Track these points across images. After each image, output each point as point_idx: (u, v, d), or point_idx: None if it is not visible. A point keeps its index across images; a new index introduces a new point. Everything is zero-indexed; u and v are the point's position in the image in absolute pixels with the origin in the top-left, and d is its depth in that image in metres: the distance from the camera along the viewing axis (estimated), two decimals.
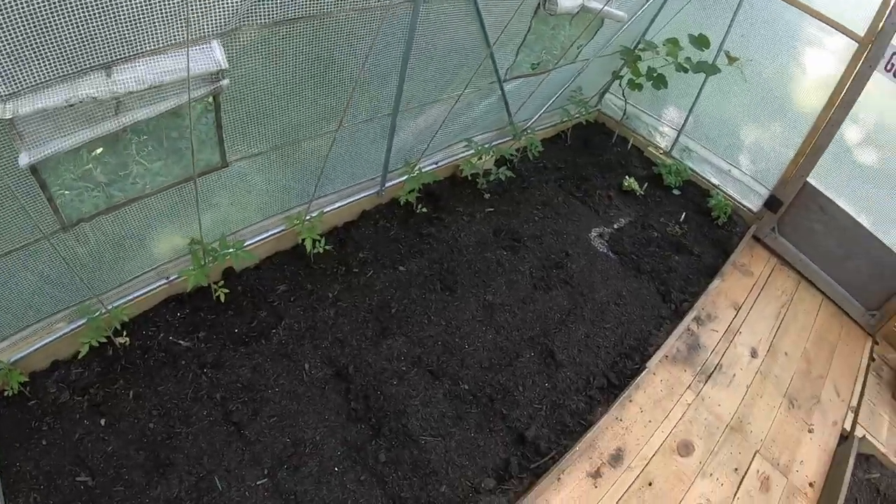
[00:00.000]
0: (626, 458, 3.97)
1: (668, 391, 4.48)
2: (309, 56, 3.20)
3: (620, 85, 6.56)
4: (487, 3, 3.90)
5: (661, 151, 6.85)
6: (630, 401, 4.28)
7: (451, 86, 4.47)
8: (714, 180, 6.65)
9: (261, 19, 2.76)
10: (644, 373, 4.40)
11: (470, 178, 5.33)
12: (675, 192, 6.49)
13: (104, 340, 3.48)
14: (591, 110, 7.23)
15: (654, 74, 6.15)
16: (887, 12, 4.92)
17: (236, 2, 2.53)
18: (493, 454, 3.68)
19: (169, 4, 2.31)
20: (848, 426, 4.88)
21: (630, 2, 5.42)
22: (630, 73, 6.25)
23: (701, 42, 5.77)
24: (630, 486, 3.84)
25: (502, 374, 4.07)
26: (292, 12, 2.84)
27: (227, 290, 3.89)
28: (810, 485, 4.36)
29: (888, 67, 5.14)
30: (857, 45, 5.25)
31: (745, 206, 6.49)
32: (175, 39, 2.45)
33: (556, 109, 6.41)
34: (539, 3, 4.33)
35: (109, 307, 3.50)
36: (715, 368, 4.83)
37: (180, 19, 2.38)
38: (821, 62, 5.58)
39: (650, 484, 3.89)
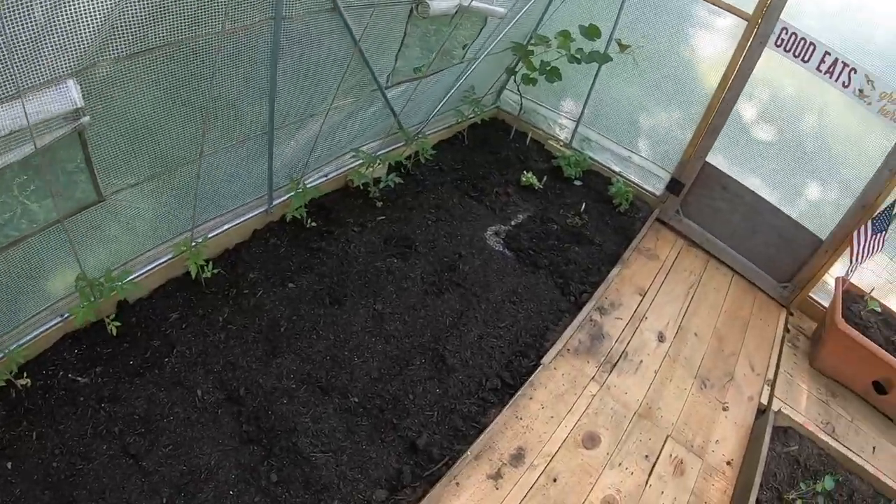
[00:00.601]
0: (528, 457, 3.92)
1: (570, 384, 4.45)
2: (171, 83, 3.14)
3: (515, 81, 6.58)
4: (355, 14, 3.87)
5: (562, 144, 6.89)
6: (530, 398, 4.24)
7: (328, 98, 4.42)
8: (616, 168, 6.72)
9: (116, 53, 2.68)
10: (539, 369, 4.36)
11: (362, 187, 5.27)
12: (577, 183, 6.53)
13: (4, 384, 3.38)
14: (490, 108, 7.27)
15: (548, 68, 6.19)
16: None
17: (89, 38, 2.46)
18: (386, 465, 3.62)
19: (22, 47, 2.25)
20: (765, 400, 4.93)
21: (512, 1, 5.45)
22: (524, 68, 6.27)
23: (592, 32, 5.85)
24: (533, 485, 3.79)
25: (392, 383, 4.02)
26: (148, 43, 2.77)
27: (119, 324, 3.80)
28: (728, 463, 4.38)
29: (778, 43, 5.27)
30: (746, 23, 5.37)
31: (648, 191, 6.57)
32: (31, 82, 2.39)
33: (450, 111, 6.39)
34: (412, 8, 4.31)
35: (6, 350, 3.40)
36: (620, 357, 4.83)
37: (33, 62, 2.32)
38: (712, 43, 5.70)
39: (555, 480, 3.85)
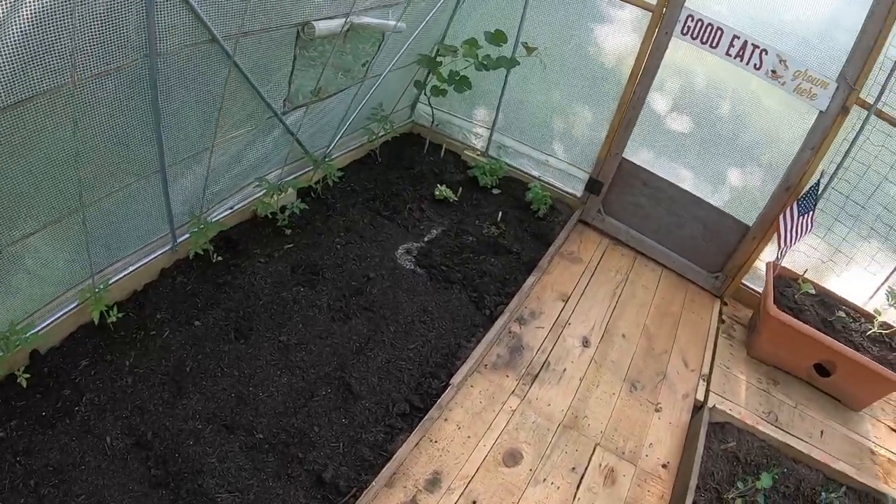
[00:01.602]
0: (445, 481, 3.88)
1: (488, 401, 4.43)
2: (51, 131, 3.07)
3: (425, 93, 6.56)
4: (237, 43, 3.83)
5: (478, 153, 6.90)
6: (445, 420, 4.21)
7: (221, 130, 4.37)
8: (534, 172, 6.75)
9: None
10: (451, 389, 4.32)
11: (270, 216, 5.22)
12: (494, 191, 6.54)
13: None
14: (405, 122, 7.27)
15: (457, 77, 6.20)
16: None
17: None
18: (293, 501, 3.57)
19: None
20: (701, 396, 4.95)
21: (417, 10, 5.49)
22: (435, 79, 6.29)
23: (497, 38, 5.87)
24: None
25: (297, 416, 3.98)
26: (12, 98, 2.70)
27: (28, 375, 3.74)
28: (664, 466, 4.38)
29: (684, 31, 5.34)
30: (650, 13, 5.45)
31: (568, 193, 6.62)
32: None
33: (359, 129, 6.37)
34: (298, 31, 4.30)
35: None
36: (542, 367, 4.82)
37: None
38: (618, 37, 5.76)
39: (474, 503, 3.81)
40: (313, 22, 4.29)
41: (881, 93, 4.96)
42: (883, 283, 5.68)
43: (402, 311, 4.84)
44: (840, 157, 5.26)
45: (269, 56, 4.28)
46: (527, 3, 5.97)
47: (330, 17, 4.47)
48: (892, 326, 5.40)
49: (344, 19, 4.56)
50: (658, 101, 5.86)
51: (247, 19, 3.73)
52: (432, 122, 7.00)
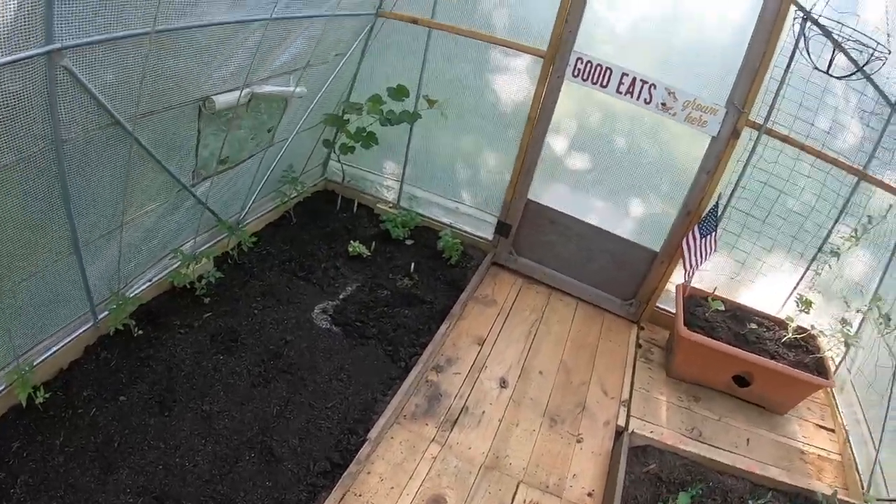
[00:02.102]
0: None
1: (409, 451, 4.58)
2: None
3: (334, 151, 6.77)
4: (140, 123, 4.00)
5: (390, 205, 7.10)
6: (368, 473, 4.35)
7: (132, 207, 4.51)
8: (446, 220, 7.00)
9: None
10: (369, 443, 4.46)
11: (188, 286, 5.35)
12: (408, 242, 6.74)
13: None
14: (318, 180, 7.46)
15: (364, 134, 6.43)
16: (564, 25, 5.55)
17: None
18: None
19: None
20: (623, 422, 5.16)
21: (317, 73, 5.79)
22: (343, 137, 6.53)
23: (400, 93, 6.17)
24: None
25: (223, 483, 4.07)
26: None
27: None
28: (589, 495, 4.55)
29: (575, 73, 5.68)
30: (542, 60, 5.77)
31: (480, 238, 6.87)
32: None
33: (272, 193, 6.53)
34: (199, 107, 4.49)
35: None
36: (461, 412, 4.98)
37: None
38: (515, 85, 6.09)
39: None
40: (213, 97, 4.50)
41: (769, 113, 5.35)
42: (792, 291, 6.05)
43: (320, 370, 4.99)
44: (736, 176, 5.64)
45: (174, 132, 4.47)
46: (426, 58, 6.30)
47: (230, 90, 4.70)
48: (806, 330, 5.78)
49: (244, 90, 4.78)
50: (557, 141, 6.17)
51: (147, 99, 3.91)
52: (343, 178, 7.24)
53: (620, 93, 5.61)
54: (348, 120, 6.43)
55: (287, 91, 5.38)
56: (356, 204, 7.22)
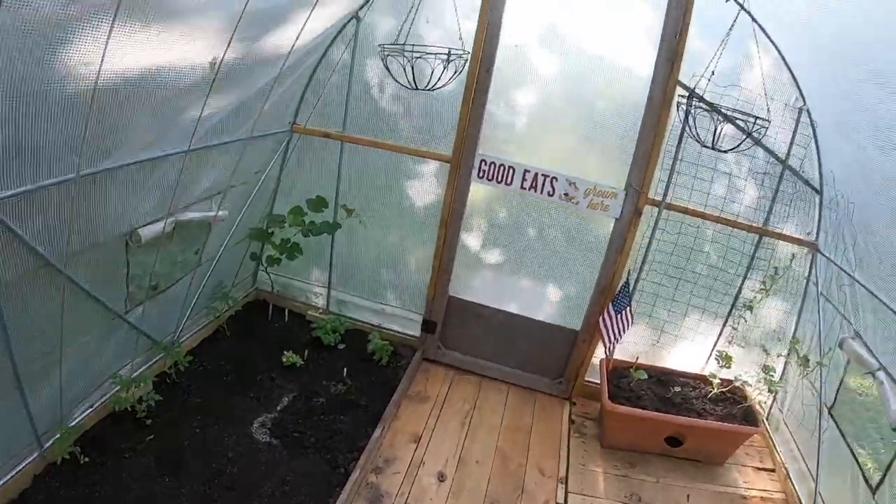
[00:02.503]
0: None
1: None
2: None
3: (262, 264, 6.99)
4: (71, 261, 4.18)
5: (320, 311, 7.32)
6: None
7: (69, 338, 4.62)
8: (375, 321, 7.24)
9: None
10: None
11: (130, 409, 5.45)
12: (340, 346, 6.92)
13: None
14: (249, 291, 7.63)
15: (288, 245, 6.67)
16: (466, 131, 5.94)
17: None
18: None
19: None
20: (562, 499, 5.39)
21: (237, 194, 6.05)
22: (269, 249, 6.78)
23: (318, 204, 6.46)
24: None
25: None
26: None
27: None
28: None
29: (480, 175, 6.08)
30: (449, 164, 6.14)
31: (409, 336, 7.11)
32: None
33: (205, 309, 6.71)
34: (126, 240, 4.72)
35: None
36: None
37: None
38: (427, 188, 6.45)
39: None
40: (138, 230, 4.73)
41: (666, 189, 5.79)
42: (713, 348, 6.37)
43: (264, 484, 5.11)
44: (644, 251, 6.02)
45: (105, 266, 4.68)
46: (340, 169, 6.66)
47: (154, 221, 4.92)
48: (731, 382, 6.11)
49: (168, 220, 5.01)
50: (471, 238, 6.54)
51: (77, 239, 4.12)
52: (272, 288, 7.44)
53: (525, 188, 6.03)
54: (273, 232, 6.67)
55: (210, 215, 5.60)
56: (287, 312, 7.40)
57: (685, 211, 5.87)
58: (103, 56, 3.28)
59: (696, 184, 5.82)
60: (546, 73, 5.88)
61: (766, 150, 5.71)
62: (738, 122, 5.20)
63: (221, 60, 4.33)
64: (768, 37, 5.44)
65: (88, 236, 4.28)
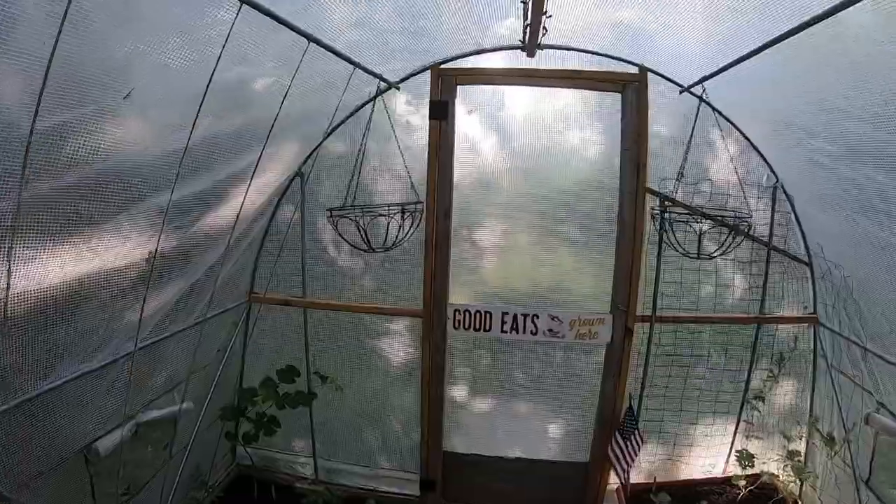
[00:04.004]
0: None
1: None
2: None
3: (239, 443, 6.50)
4: (23, 493, 3.75)
5: (309, 482, 6.81)
6: None
7: None
8: (370, 485, 6.72)
9: None
10: None
11: None
12: None
13: None
14: (229, 468, 7.08)
15: (264, 419, 6.18)
16: (433, 281, 5.67)
17: None
18: None
19: None
20: None
21: (201, 379, 5.70)
22: (245, 423, 6.31)
23: (289, 374, 6.02)
24: None
25: None
26: None
27: None
28: None
29: (457, 325, 5.78)
30: (420, 318, 5.85)
31: (409, 496, 6.59)
32: None
33: (183, 500, 6.11)
34: (84, 456, 4.29)
35: None
36: None
37: None
38: (402, 346, 6.20)
39: None
40: (95, 444, 4.30)
41: (654, 303, 5.53)
42: (730, 448, 6.09)
43: None
44: (641, 370, 5.73)
45: (66, 485, 4.22)
46: (307, 339, 6.31)
47: (113, 429, 4.48)
48: (757, 477, 5.82)
49: (128, 424, 4.60)
50: (456, 390, 6.17)
51: (26, 467, 3.73)
52: (252, 464, 6.90)
53: (505, 332, 5.67)
54: (246, 408, 6.20)
55: (174, 410, 5.21)
56: (274, 488, 6.82)
57: (677, 320, 5.65)
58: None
59: (684, 289, 5.61)
60: (509, 201, 5.68)
61: (753, 239, 5.56)
62: (719, 219, 5.15)
63: (156, 253, 4.02)
64: (731, 122, 5.44)
65: (41, 461, 3.86)
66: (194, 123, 3.58)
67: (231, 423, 6.52)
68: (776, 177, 5.53)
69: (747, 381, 5.89)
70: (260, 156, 4.62)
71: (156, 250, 4.01)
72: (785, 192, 5.57)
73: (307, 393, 6.20)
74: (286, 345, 6.43)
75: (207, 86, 3.47)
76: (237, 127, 4.32)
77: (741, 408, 5.96)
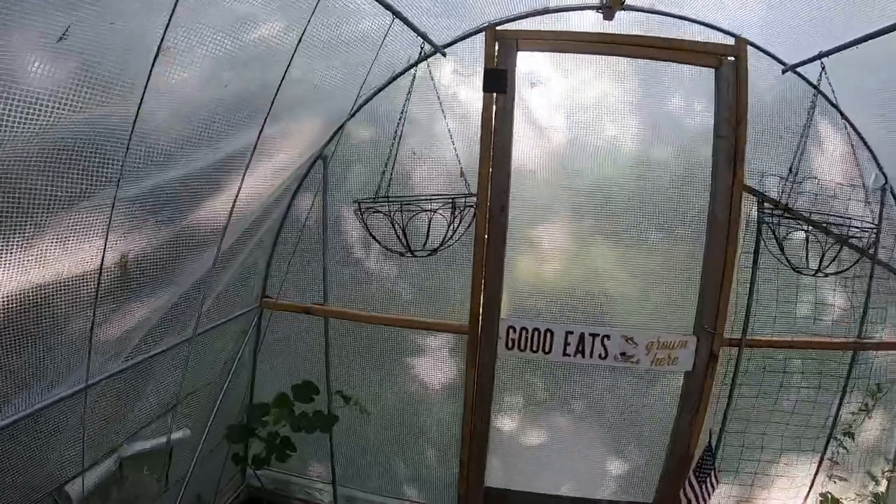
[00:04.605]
0: None
1: None
2: None
3: (249, 467, 5.84)
4: None
5: None
6: None
7: None
8: None
9: None
10: None
11: None
12: None
13: None
14: (238, 490, 6.38)
15: (277, 441, 5.43)
16: (482, 291, 4.89)
17: None
18: None
19: None
20: None
21: (200, 400, 4.99)
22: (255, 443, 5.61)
23: (307, 391, 5.35)
24: None
25: None
26: None
27: None
28: None
29: (510, 345, 4.97)
30: (465, 336, 5.11)
31: None
32: None
33: None
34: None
35: None
36: None
37: None
38: (440, 366, 5.51)
39: None
40: (65, 488, 3.73)
41: (745, 324, 4.81)
42: (809, 490, 5.41)
43: None
44: (724, 401, 5.04)
45: None
46: (328, 353, 5.56)
47: (90, 467, 3.89)
48: None
49: (110, 459, 4.07)
50: (504, 421, 5.50)
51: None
52: (262, 486, 6.26)
53: (569, 355, 4.89)
54: (255, 428, 5.45)
55: (162, 441, 4.55)
56: None
57: (772, 345, 4.87)
58: None
59: (780, 307, 4.84)
60: (576, 198, 4.94)
61: (863, 252, 4.59)
62: (846, 236, 4.37)
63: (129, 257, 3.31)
64: (839, 110, 4.65)
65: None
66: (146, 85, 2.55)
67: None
68: (885, 177, 4.76)
69: (836, 415, 5.19)
70: (261, 130, 3.72)
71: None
72: (894, 196, 4.83)
73: (327, 415, 5.44)
74: (302, 357, 5.75)
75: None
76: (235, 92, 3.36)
77: (826, 444, 5.26)
